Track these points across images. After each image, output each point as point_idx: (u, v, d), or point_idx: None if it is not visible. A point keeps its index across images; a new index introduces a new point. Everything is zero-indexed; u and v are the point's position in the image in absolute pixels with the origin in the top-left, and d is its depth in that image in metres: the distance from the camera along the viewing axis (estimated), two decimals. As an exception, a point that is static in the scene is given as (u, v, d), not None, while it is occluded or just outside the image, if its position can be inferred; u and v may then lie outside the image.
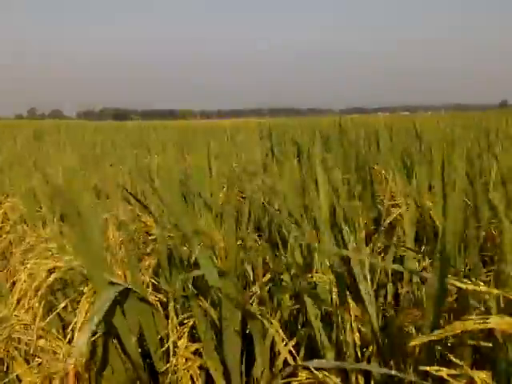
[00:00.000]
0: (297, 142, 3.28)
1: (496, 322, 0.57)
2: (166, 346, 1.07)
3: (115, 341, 1.09)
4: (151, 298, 1.15)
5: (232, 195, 1.20)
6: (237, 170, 2.36)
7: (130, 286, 1.01)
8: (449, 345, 0.78)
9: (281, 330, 1.03)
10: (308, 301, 1.01)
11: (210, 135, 4.72)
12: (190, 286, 1.12)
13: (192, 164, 1.95)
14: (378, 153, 2.82)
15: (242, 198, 1.97)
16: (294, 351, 0.96)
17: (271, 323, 0.98)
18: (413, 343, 0.64)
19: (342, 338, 1.00)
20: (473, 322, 0.59)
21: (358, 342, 0.95)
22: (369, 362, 0.92)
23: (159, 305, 1.15)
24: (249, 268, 1.44)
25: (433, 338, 0.62)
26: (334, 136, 3.41)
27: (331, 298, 1.06)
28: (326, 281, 1.13)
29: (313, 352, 1.04)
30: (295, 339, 1.11)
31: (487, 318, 0.59)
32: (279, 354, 0.99)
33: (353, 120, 7.97)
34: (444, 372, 0.59)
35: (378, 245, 1.55)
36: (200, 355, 1.06)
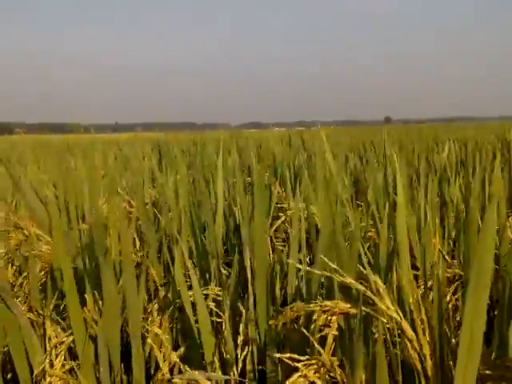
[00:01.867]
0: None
1: (329, 305, 0.65)
2: (42, 366, 0.99)
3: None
4: (25, 318, 1.06)
5: (115, 207, 1.16)
6: (123, 183, 2.29)
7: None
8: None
9: (165, 342, 1.00)
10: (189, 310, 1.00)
11: (97, 149, 4.56)
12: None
13: (74, 177, 1.85)
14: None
15: (131, 209, 1.91)
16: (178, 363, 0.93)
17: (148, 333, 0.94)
18: (272, 322, 0.68)
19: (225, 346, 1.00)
20: (313, 305, 0.66)
21: (240, 343, 0.95)
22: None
23: (31, 324, 1.06)
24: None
25: (287, 317, 0.68)
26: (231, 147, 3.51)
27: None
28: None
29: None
30: (181, 350, 1.09)
31: (324, 303, 0.66)
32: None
33: (251, 134, 8.19)
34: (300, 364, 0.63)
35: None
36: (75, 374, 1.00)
